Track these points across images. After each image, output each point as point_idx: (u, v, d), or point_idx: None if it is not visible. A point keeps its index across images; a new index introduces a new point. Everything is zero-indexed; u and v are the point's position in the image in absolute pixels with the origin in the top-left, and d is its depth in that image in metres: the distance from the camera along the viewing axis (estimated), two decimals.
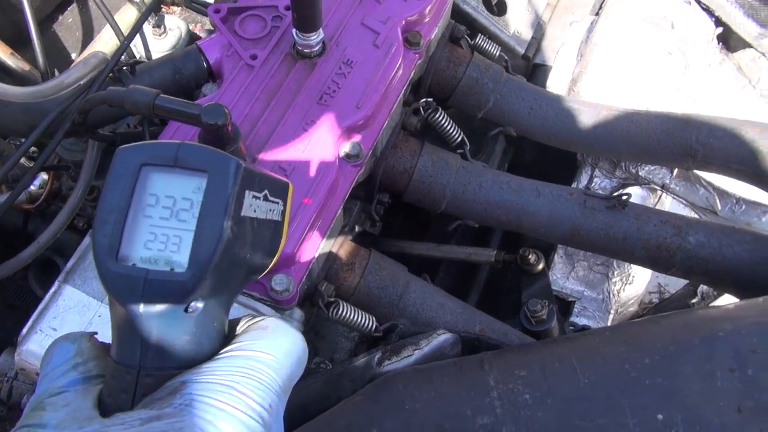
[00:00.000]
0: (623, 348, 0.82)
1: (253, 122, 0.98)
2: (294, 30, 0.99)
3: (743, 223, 1.43)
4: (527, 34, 1.54)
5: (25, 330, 0.92)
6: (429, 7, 1.12)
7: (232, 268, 0.51)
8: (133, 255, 0.49)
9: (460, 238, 1.51)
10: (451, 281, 1.51)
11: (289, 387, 0.53)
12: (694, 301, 1.48)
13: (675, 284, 1.50)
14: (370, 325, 1.04)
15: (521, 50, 1.52)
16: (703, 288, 1.48)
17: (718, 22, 1.54)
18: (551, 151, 1.37)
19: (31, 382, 1.05)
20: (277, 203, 0.59)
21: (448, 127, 1.23)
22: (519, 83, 1.30)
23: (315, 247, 0.96)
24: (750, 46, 1.53)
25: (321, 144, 0.97)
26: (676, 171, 1.43)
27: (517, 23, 1.53)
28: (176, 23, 1.38)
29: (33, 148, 1.12)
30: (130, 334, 0.49)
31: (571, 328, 1.40)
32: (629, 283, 1.43)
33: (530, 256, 1.29)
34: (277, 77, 1.02)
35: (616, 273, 1.42)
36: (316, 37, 1.00)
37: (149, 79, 1.03)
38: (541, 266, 1.31)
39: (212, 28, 1.33)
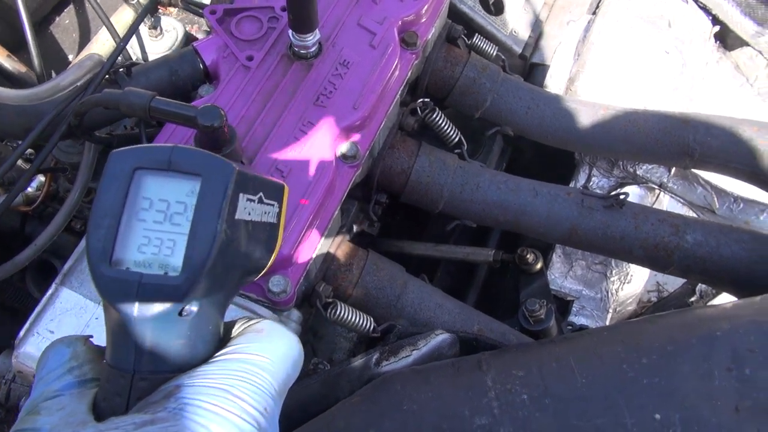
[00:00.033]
0: (621, 348, 0.82)
1: (250, 123, 0.98)
2: (290, 31, 0.99)
3: (741, 222, 1.43)
4: (524, 33, 1.54)
5: (22, 333, 0.92)
6: (425, 7, 1.12)
7: (226, 272, 0.51)
8: (127, 259, 0.49)
9: (459, 238, 1.51)
10: (449, 281, 1.51)
11: (284, 390, 0.53)
12: (692, 299, 1.48)
13: (673, 283, 1.50)
14: (368, 326, 1.04)
15: (518, 50, 1.52)
16: (701, 286, 1.48)
17: (715, 20, 1.54)
18: (549, 150, 1.36)
19: (28, 384, 1.05)
20: (273, 205, 0.59)
21: (446, 127, 1.23)
22: (516, 83, 1.30)
23: (312, 248, 0.96)
24: (747, 44, 1.53)
25: (318, 145, 0.97)
26: (673, 170, 1.43)
27: (514, 23, 1.52)
28: (172, 24, 1.38)
29: (30, 150, 1.12)
30: (124, 338, 0.48)
31: (569, 327, 1.40)
32: (627, 282, 1.43)
33: (528, 256, 1.29)
34: (273, 78, 1.02)
35: (614, 272, 1.42)
36: (312, 38, 0.99)
37: (145, 80, 1.03)
38: (539, 266, 1.31)
39: (209, 29, 1.33)
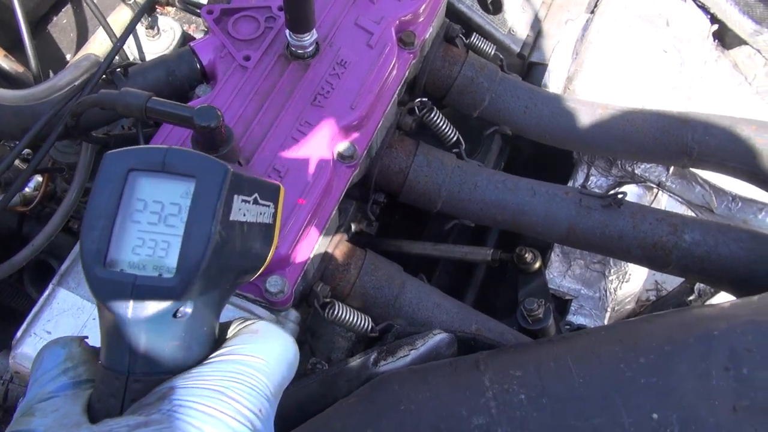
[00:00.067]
0: (618, 347, 0.82)
1: (247, 124, 0.98)
2: (287, 31, 0.98)
3: (739, 221, 1.43)
4: (522, 32, 1.54)
5: (19, 333, 0.92)
6: (423, 7, 1.12)
7: (221, 273, 0.51)
8: (121, 260, 0.49)
9: (458, 237, 1.51)
10: (448, 280, 1.51)
11: (279, 391, 0.53)
12: (691, 298, 1.48)
13: (672, 282, 1.50)
14: (366, 326, 1.04)
15: (516, 49, 1.52)
16: (700, 285, 1.47)
17: (714, 19, 1.54)
18: (547, 149, 1.36)
19: (26, 385, 1.05)
20: (268, 206, 0.59)
21: (444, 127, 1.23)
22: (514, 82, 1.30)
23: (310, 248, 0.96)
24: (745, 43, 1.52)
25: (315, 145, 0.97)
26: (672, 169, 1.42)
27: (512, 22, 1.52)
28: (170, 24, 1.38)
29: (27, 150, 1.12)
30: (118, 340, 0.48)
31: (567, 327, 1.40)
32: (626, 281, 1.43)
33: (527, 255, 1.29)
34: (270, 78, 1.02)
35: (612, 271, 1.42)
36: (309, 38, 0.99)
37: (142, 80, 1.03)
38: (537, 265, 1.31)
39: (206, 29, 1.33)
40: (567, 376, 0.80)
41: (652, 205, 1.41)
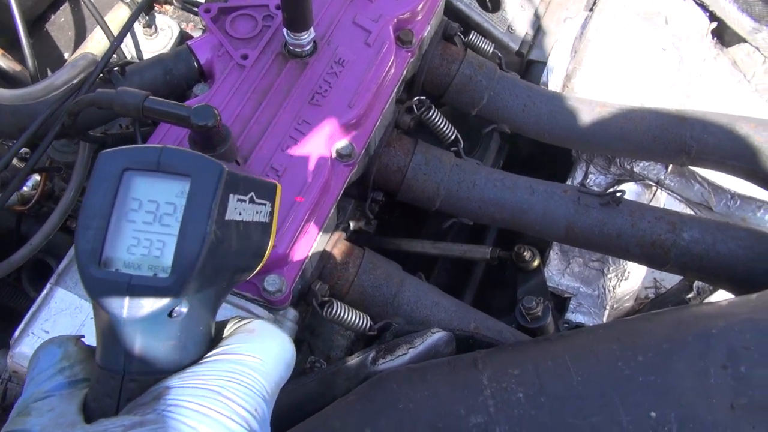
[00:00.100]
0: (616, 346, 0.82)
1: (245, 122, 0.98)
2: (285, 29, 0.98)
3: (738, 219, 1.43)
4: (521, 30, 1.53)
5: (17, 333, 0.92)
6: (421, 5, 1.11)
7: (217, 272, 0.51)
8: (116, 260, 0.48)
9: (456, 235, 1.51)
10: (446, 278, 1.51)
11: (276, 391, 0.53)
12: (689, 296, 1.48)
13: (671, 279, 1.49)
14: (364, 324, 1.03)
15: (515, 47, 1.52)
16: (699, 283, 1.47)
17: (713, 17, 1.53)
18: (546, 147, 1.36)
19: (24, 384, 1.05)
20: (265, 205, 0.58)
21: (442, 125, 1.22)
22: (513, 80, 1.30)
23: (308, 246, 0.96)
24: (744, 40, 1.52)
25: (313, 144, 0.97)
26: (671, 167, 1.42)
27: (510, 20, 1.52)
28: (167, 23, 1.38)
29: (25, 150, 1.12)
30: (113, 340, 0.48)
31: (566, 325, 1.40)
32: (625, 279, 1.43)
33: (525, 253, 1.29)
34: (268, 77, 1.01)
35: (611, 269, 1.42)
36: (307, 37, 0.99)
37: (140, 79, 1.03)
38: (536, 263, 1.31)
39: (204, 28, 1.33)
40: (565, 375, 0.80)
41: (651, 203, 1.41)
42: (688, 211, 1.44)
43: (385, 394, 0.84)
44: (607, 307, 1.42)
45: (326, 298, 1.02)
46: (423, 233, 1.51)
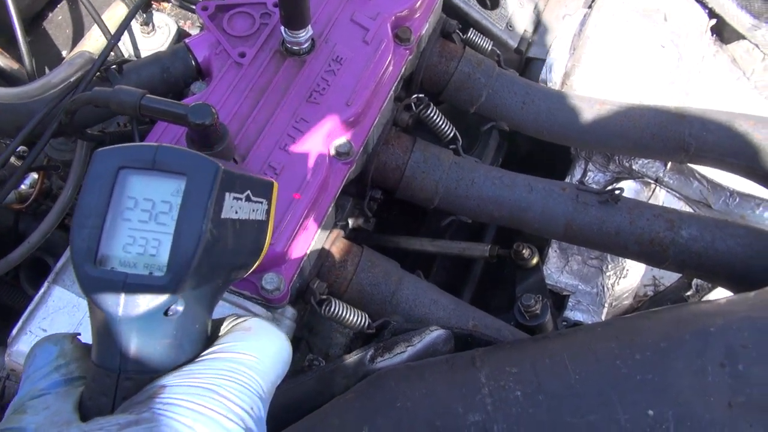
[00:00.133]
0: (614, 344, 0.82)
1: (242, 121, 0.97)
2: (282, 27, 0.98)
3: (737, 216, 1.43)
4: (520, 27, 1.53)
5: (14, 331, 0.92)
6: (419, 3, 1.11)
7: (213, 270, 0.51)
8: (112, 258, 0.48)
9: (455, 233, 1.51)
10: (445, 276, 1.51)
11: (272, 389, 0.53)
12: (688, 293, 1.48)
13: (670, 277, 1.50)
14: (362, 322, 1.03)
15: (514, 44, 1.51)
16: (697, 281, 1.47)
17: (712, 13, 1.53)
18: (545, 145, 1.36)
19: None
20: (261, 203, 0.58)
21: (440, 123, 1.22)
22: (511, 78, 1.29)
23: (306, 245, 0.96)
24: (744, 37, 1.52)
25: (311, 142, 0.97)
26: (669, 164, 1.42)
27: (509, 17, 1.52)
28: (165, 21, 1.37)
29: (24, 148, 1.12)
30: (109, 338, 0.48)
31: (564, 323, 1.40)
32: (623, 277, 1.43)
33: (524, 251, 1.29)
34: (266, 75, 1.01)
35: (610, 267, 1.42)
36: (304, 34, 0.99)
37: (137, 78, 1.02)
38: (535, 260, 1.31)
39: (202, 26, 1.33)
40: (563, 373, 0.80)
41: (650, 201, 1.41)
42: (687, 208, 1.44)
43: (383, 392, 0.84)
44: (606, 305, 1.42)
45: (324, 296, 1.01)
46: (422, 231, 1.51)
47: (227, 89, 0.99)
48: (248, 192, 0.55)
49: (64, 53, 1.50)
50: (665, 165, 1.42)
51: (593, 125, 1.26)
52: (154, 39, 1.36)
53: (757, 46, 1.50)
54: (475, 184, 1.16)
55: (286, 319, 0.98)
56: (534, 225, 1.17)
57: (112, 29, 1.18)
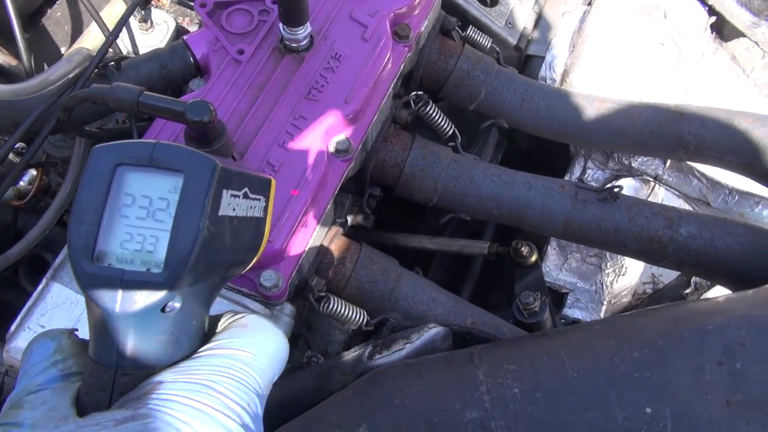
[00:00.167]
0: (612, 342, 0.82)
1: (241, 118, 0.97)
2: (281, 24, 0.98)
3: (736, 214, 1.42)
4: (519, 25, 1.53)
5: (13, 327, 0.92)
6: (417, 0, 1.11)
7: (210, 267, 0.51)
8: (109, 255, 0.48)
9: (454, 231, 1.51)
10: (444, 274, 1.51)
11: (269, 386, 0.53)
12: (687, 291, 1.48)
13: (669, 275, 1.50)
14: (361, 320, 1.03)
15: (513, 41, 1.51)
16: (696, 279, 1.47)
17: (712, 11, 1.53)
18: (544, 142, 1.36)
19: None
20: (259, 200, 0.58)
21: (440, 120, 1.22)
22: (510, 75, 1.29)
23: (305, 242, 0.96)
24: (743, 35, 1.52)
25: (309, 139, 0.97)
26: (669, 162, 1.42)
27: (509, 14, 1.51)
28: (163, 18, 1.37)
29: (22, 145, 1.12)
30: (106, 334, 0.48)
31: (563, 320, 1.40)
32: (622, 275, 1.43)
33: (523, 248, 1.29)
34: (264, 72, 1.01)
35: (609, 264, 1.42)
36: (303, 32, 0.99)
37: (135, 74, 1.02)
38: (534, 258, 1.31)
39: (201, 22, 1.32)
40: (561, 371, 0.80)
41: (649, 199, 1.41)
42: (686, 206, 1.44)
43: (381, 389, 0.84)
44: (605, 303, 1.42)
45: (323, 294, 1.01)
46: (420, 228, 1.51)
47: (226, 86, 0.99)
48: (246, 189, 0.55)
49: (62, 50, 1.50)
50: (664, 163, 1.42)
51: (592, 123, 1.26)
52: (152, 36, 1.35)
53: (756, 43, 1.50)
54: (474, 182, 1.16)
55: (285, 316, 0.98)
56: (533, 223, 1.17)
57: (111, 26, 1.18)
